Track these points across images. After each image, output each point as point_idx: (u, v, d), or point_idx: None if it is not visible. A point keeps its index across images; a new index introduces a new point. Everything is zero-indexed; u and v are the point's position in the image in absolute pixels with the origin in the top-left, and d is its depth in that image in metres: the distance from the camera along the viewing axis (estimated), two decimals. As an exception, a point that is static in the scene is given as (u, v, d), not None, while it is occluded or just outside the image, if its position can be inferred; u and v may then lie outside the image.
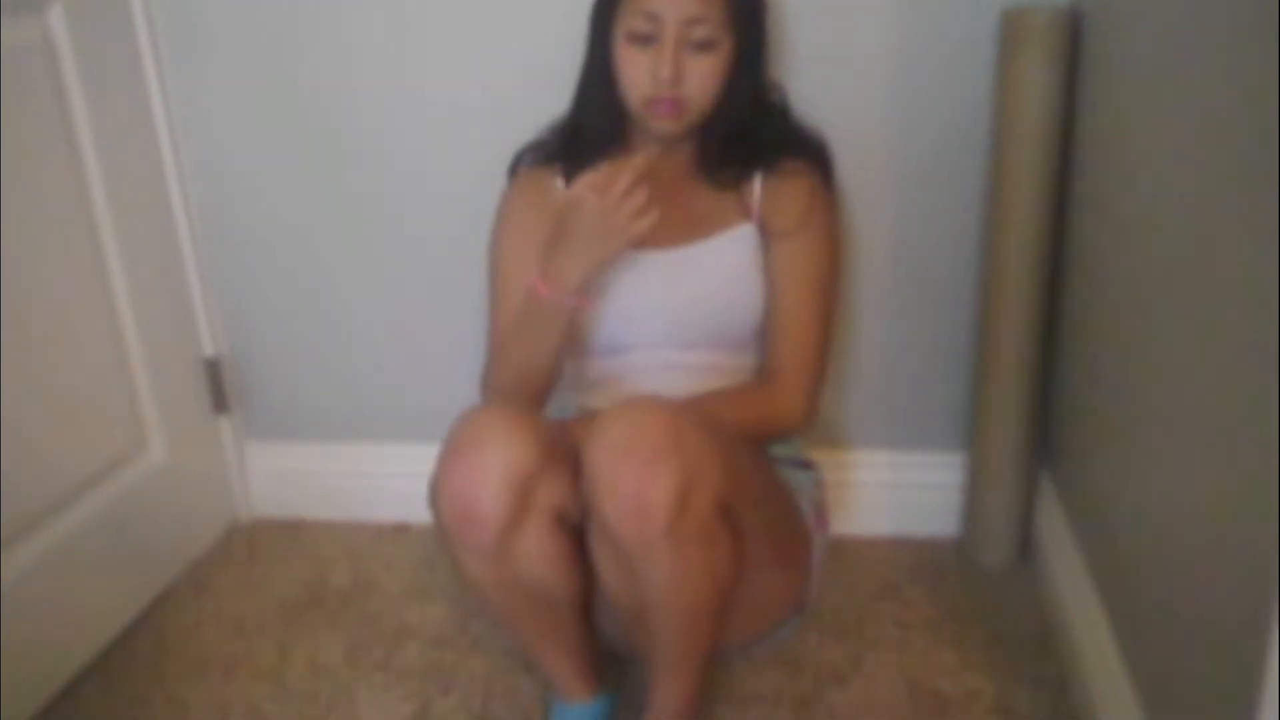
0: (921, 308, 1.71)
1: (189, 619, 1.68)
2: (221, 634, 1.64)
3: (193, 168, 1.77)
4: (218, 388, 1.86)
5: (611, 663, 1.42)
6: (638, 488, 1.08)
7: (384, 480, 1.92)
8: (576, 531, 1.25)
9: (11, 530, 1.47)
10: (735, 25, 1.30)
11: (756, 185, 1.40)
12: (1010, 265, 1.56)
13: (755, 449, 1.34)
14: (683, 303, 1.38)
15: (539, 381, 1.38)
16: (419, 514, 1.91)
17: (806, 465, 1.48)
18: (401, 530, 1.90)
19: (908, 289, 1.70)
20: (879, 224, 1.66)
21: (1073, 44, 1.45)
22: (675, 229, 1.36)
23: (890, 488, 1.80)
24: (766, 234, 1.40)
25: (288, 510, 1.96)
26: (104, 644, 1.61)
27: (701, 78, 1.30)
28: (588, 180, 1.23)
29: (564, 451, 1.21)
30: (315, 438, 1.94)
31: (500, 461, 1.16)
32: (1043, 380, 1.62)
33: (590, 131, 1.40)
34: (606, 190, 1.21)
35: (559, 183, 1.43)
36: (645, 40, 1.29)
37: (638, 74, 1.31)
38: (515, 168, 1.49)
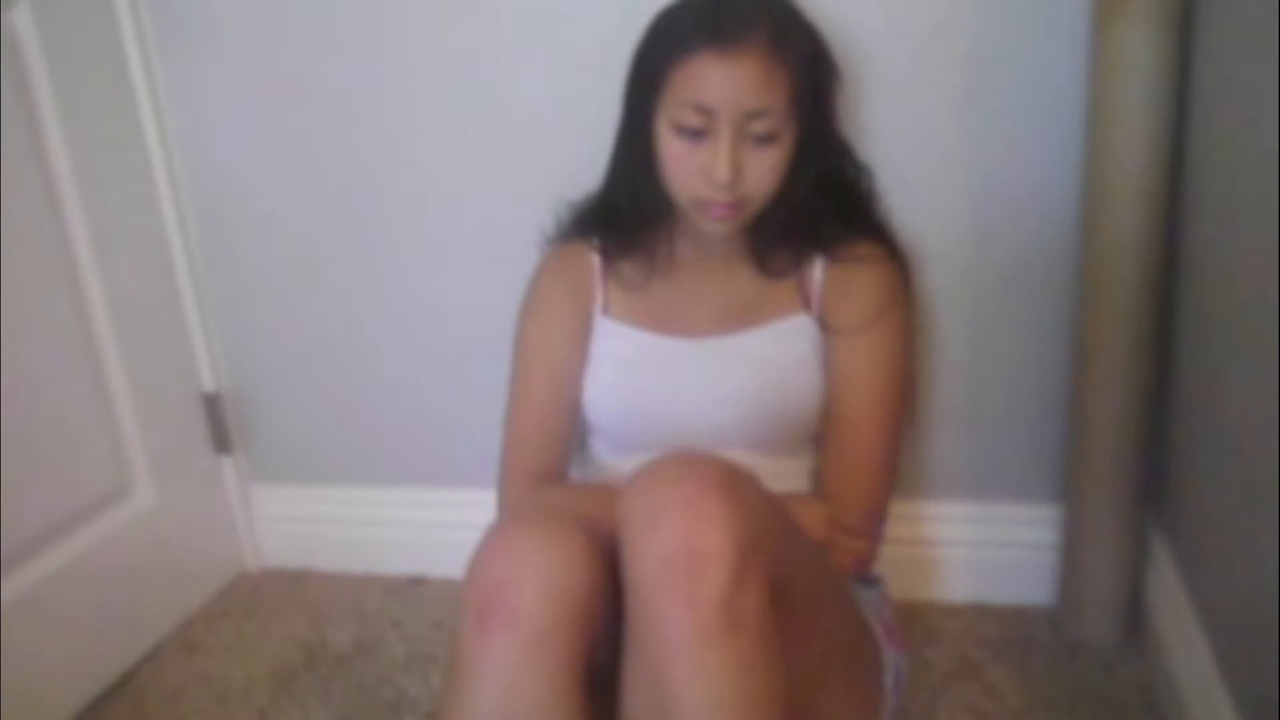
0: (1006, 329, 1.44)
1: (172, 683, 1.51)
2: (203, 701, 1.46)
3: (188, 183, 1.62)
4: (219, 426, 1.70)
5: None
6: (688, 533, 0.85)
7: (399, 529, 1.74)
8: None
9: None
10: (800, 111, 1.10)
11: (817, 271, 1.20)
12: (1112, 280, 1.30)
13: (809, 539, 1.09)
14: (727, 396, 1.18)
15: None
16: (437, 566, 1.75)
17: (870, 581, 1.24)
18: (417, 584, 1.71)
19: (989, 309, 1.44)
20: (954, 237, 1.41)
21: (1185, 2, 1.20)
22: (721, 315, 1.21)
23: (972, 546, 1.53)
24: (828, 328, 1.19)
25: (296, 559, 1.79)
26: (76, 710, 1.45)
27: (760, 173, 1.10)
28: None
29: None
30: (326, 481, 1.76)
31: (545, 563, 0.92)
32: (1153, 418, 1.34)
33: (629, 216, 1.21)
34: None
35: (594, 258, 1.26)
36: (695, 134, 1.09)
37: (686, 172, 1.11)
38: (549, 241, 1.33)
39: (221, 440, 1.71)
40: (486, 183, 1.52)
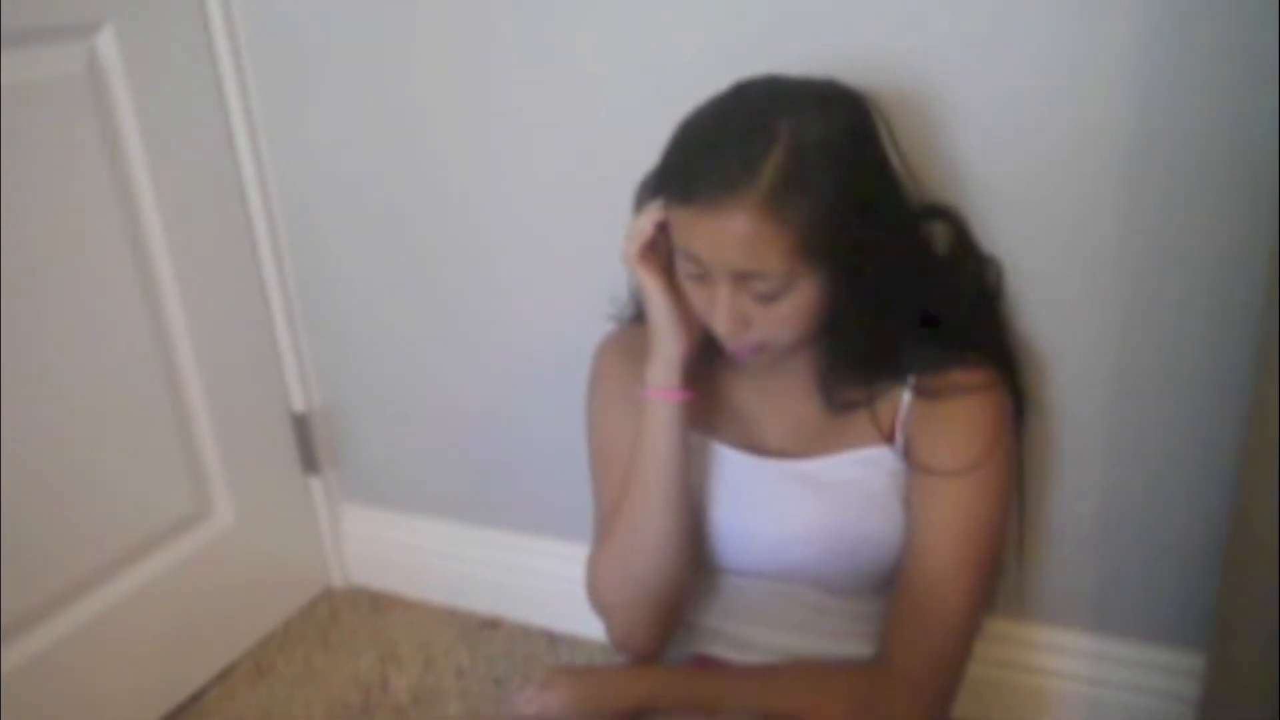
0: (1154, 433, 1.20)
1: (234, 711, 1.51)
2: (256, 739, 1.46)
3: (283, 205, 1.57)
4: (307, 446, 1.68)
5: None
6: None
7: (479, 568, 1.68)
8: None
9: (45, 600, 1.36)
10: (815, 258, 0.90)
11: (904, 399, 1.02)
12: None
13: None
14: (794, 524, 1.04)
15: (656, 561, 1.04)
16: (514, 610, 1.68)
17: None
18: (491, 627, 1.65)
19: (1135, 401, 1.20)
20: (1098, 330, 1.18)
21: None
22: (792, 435, 1.06)
23: (1091, 684, 1.32)
24: (913, 464, 1.01)
25: (381, 581, 1.76)
26: (139, 730, 1.48)
27: (772, 324, 0.94)
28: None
29: None
30: (414, 509, 1.72)
31: None
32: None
33: None
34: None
35: None
36: (698, 277, 0.95)
37: (699, 306, 0.98)
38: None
39: (310, 460, 1.69)
40: (579, 224, 1.40)
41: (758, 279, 0.90)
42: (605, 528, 1.10)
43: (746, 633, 1.09)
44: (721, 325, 0.94)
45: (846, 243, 0.90)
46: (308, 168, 1.55)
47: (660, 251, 0.99)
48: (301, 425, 1.67)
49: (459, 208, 1.48)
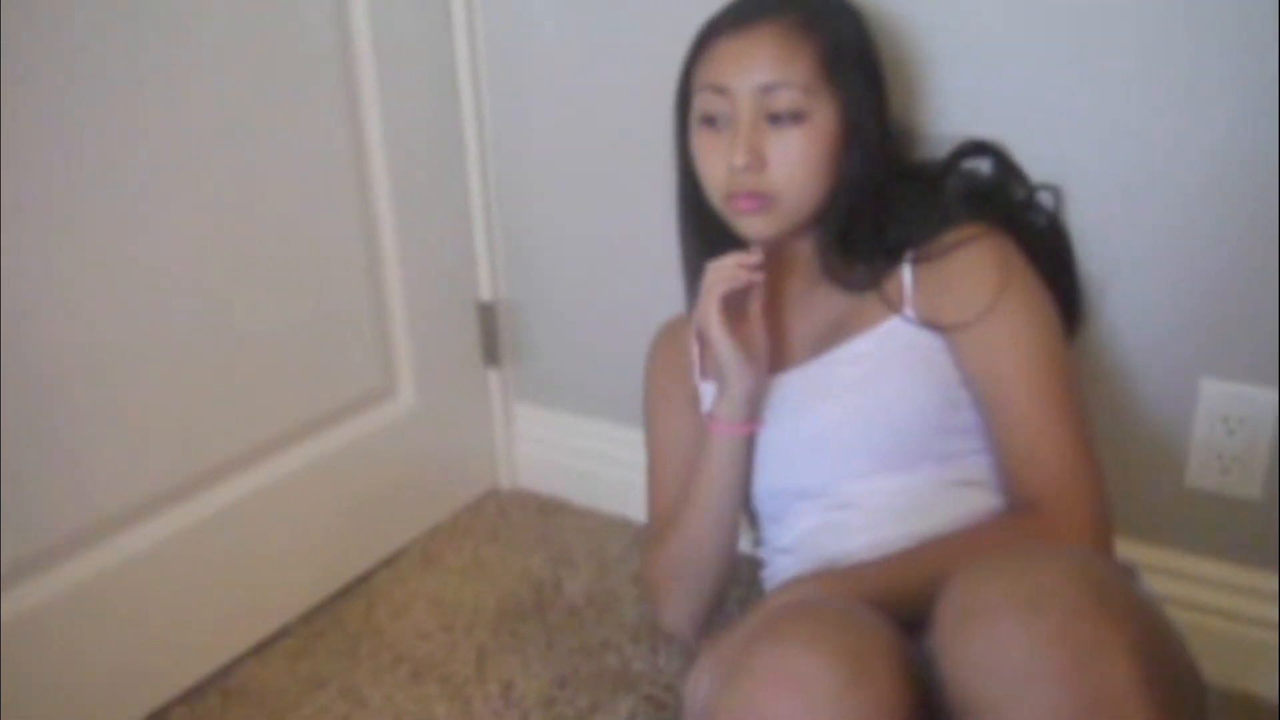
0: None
1: (404, 594, 1.47)
2: (428, 624, 1.41)
3: (491, 85, 1.52)
4: (490, 337, 1.63)
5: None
6: (1075, 680, 0.67)
7: (656, 477, 1.60)
8: None
9: (235, 458, 1.34)
10: (835, 82, 0.99)
11: (905, 275, 1.03)
12: None
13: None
14: (832, 409, 1.03)
15: (708, 572, 1.10)
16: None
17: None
18: (665, 541, 1.58)
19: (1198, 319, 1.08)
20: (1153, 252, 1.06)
21: None
22: (811, 340, 1.08)
23: (1184, 608, 1.19)
24: (939, 328, 1.01)
25: (550, 485, 1.71)
26: (312, 602, 1.45)
27: (789, 159, 0.99)
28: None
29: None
30: (591, 413, 1.66)
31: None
32: None
33: (693, 262, 1.12)
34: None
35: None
36: (717, 124, 1.01)
37: (713, 164, 1.02)
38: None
39: (491, 352, 1.64)
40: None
41: (779, 91, 0.96)
42: (659, 531, 1.14)
43: (876, 536, 1.00)
44: (739, 155, 0.96)
45: (862, 74, 1.01)
46: (522, 58, 1.49)
47: (731, 302, 1.02)
48: (486, 315, 1.62)
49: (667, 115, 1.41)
